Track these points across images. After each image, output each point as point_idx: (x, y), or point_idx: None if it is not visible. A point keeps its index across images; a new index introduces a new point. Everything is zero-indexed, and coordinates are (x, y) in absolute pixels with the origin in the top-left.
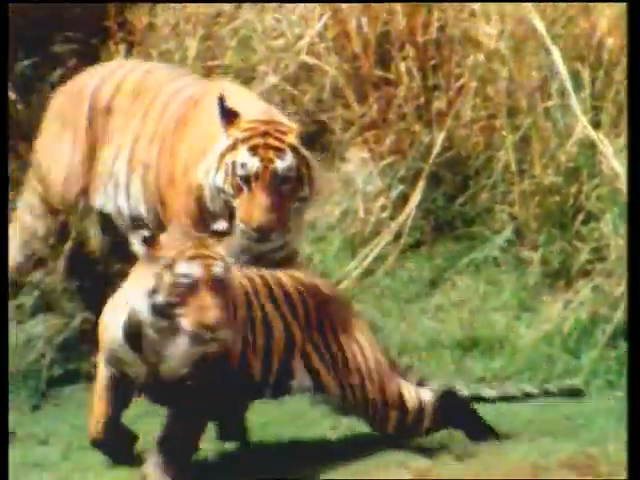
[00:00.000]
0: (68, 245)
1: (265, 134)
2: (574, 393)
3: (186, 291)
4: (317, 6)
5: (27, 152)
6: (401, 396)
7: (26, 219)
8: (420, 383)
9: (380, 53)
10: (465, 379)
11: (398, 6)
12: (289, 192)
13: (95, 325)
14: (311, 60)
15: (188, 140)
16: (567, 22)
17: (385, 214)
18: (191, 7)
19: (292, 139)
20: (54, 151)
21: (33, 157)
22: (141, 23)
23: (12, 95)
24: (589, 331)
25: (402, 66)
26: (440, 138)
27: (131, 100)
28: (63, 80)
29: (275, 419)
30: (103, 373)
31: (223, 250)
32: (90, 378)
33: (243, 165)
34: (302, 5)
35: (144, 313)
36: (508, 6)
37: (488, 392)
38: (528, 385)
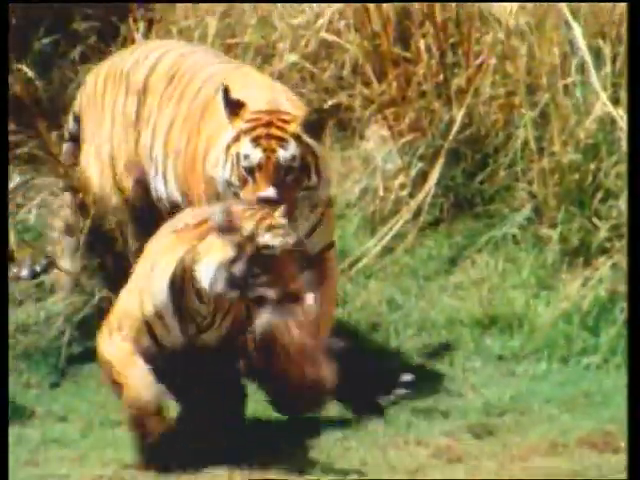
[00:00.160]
0: (87, 223)
1: (268, 124)
2: None
3: (269, 261)
4: None
5: (46, 130)
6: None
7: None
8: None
9: (400, 30)
10: (484, 357)
11: None
12: (294, 182)
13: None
14: (331, 37)
15: (207, 129)
16: None
17: (404, 192)
18: None
19: (296, 128)
20: (94, 134)
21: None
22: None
23: (30, 73)
24: (608, 309)
25: (421, 43)
26: (459, 115)
27: (165, 82)
28: (83, 57)
29: None
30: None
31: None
32: None
33: (246, 156)
34: None
35: (216, 283)
36: None
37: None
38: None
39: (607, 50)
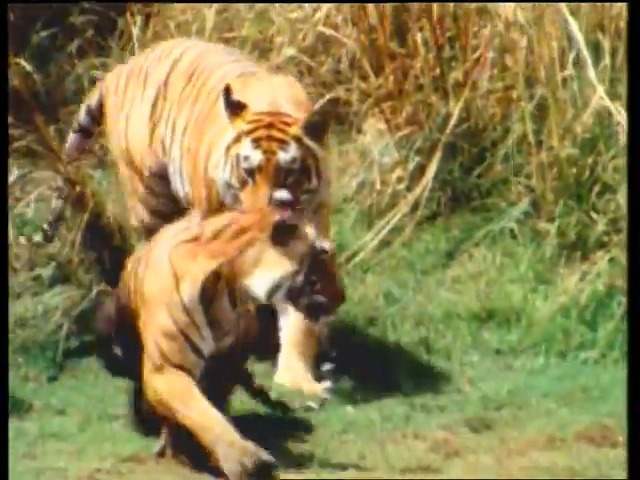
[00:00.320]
0: (85, 217)
1: (269, 126)
2: None
3: (323, 267)
4: None
5: (44, 124)
6: None
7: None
8: None
9: (397, 24)
10: (481, 351)
11: None
12: (294, 184)
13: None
14: (328, 31)
15: (211, 130)
16: None
17: (402, 186)
18: None
19: (297, 130)
20: (119, 129)
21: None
22: None
23: (28, 66)
24: (605, 303)
25: (419, 37)
26: (457, 109)
27: (185, 81)
28: (81, 51)
29: None
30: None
31: None
32: None
33: (246, 158)
34: None
35: (275, 294)
36: None
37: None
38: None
39: (606, 44)
